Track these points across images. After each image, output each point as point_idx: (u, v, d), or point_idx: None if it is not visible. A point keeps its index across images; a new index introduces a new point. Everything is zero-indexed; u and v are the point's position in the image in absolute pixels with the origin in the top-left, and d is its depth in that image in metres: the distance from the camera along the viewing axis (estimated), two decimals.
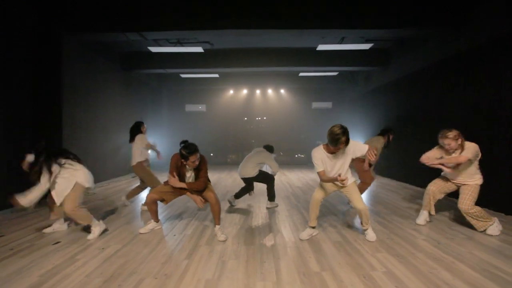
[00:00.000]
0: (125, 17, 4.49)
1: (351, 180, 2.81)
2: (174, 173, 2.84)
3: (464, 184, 3.00)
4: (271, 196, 4.09)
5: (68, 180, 2.84)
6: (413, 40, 5.86)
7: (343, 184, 2.69)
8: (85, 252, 2.54)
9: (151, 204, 3.00)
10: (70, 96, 5.02)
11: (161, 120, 10.02)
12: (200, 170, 2.90)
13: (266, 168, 4.19)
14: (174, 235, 2.97)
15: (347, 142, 2.52)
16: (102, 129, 6.26)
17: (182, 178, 2.92)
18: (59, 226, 3.11)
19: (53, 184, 2.80)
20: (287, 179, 7.11)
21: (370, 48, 6.46)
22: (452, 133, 2.87)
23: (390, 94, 7.01)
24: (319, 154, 2.68)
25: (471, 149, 2.84)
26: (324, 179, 2.70)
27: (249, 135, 10.87)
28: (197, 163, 2.80)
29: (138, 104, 8.21)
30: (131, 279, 2.05)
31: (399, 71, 6.52)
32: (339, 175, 2.62)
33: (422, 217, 3.26)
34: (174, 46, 6.00)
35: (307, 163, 10.46)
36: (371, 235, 2.81)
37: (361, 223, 2.86)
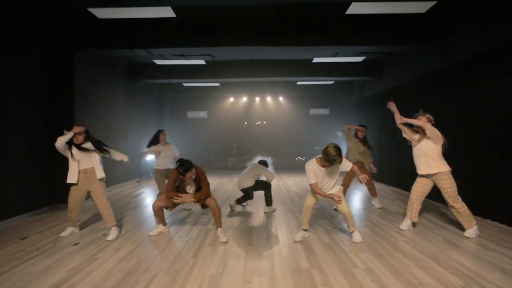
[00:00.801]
0: (133, 35, 4.86)
1: (337, 188, 3.15)
2: (179, 194, 3.18)
3: (438, 178, 3.26)
4: (268, 201, 4.42)
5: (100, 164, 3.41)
6: (403, 54, 6.23)
7: (338, 202, 3.04)
8: (102, 252, 2.87)
9: (158, 211, 3.34)
10: (81, 105, 5.36)
11: (163, 126, 10.36)
12: (200, 180, 3.23)
13: (262, 177, 4.55)
14: (181, 237, 3.30)
15: (341, 161, 2.88)
16: (109, 136, 6.60)
17: (182, 190, 3.26)
18: (73, 230, 3.44)
19: (92, 158, 3.35)
20: (285, 184, 7.44)
21: (364, 60, 6.83)
22: (429, 115, 3.28)
23: (383, 103, 7.33)
24: (312, 167, 3.02)
25: (434, 130, 3.18)
26: (316, 191, 3.05)
27: (249, 138, 11.22)
28: (193, 177, 3.13)
29: (142, 112, 8.57)
30: (146, 275, 2.38)
31: (391, 81, 6.87)
32: (339, 197, 3.00)
33: (405, 224, 3.57)
34: (178, 59, 6.37)
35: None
36: (357, 237, 3.14)
37: (348, 227, 3.20)
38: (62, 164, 4.96)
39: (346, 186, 4.50)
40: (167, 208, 3.33)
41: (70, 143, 3.30)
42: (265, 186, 4.38)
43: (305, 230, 3.23)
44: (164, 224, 3.47)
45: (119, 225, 3.67)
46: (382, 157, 7.32)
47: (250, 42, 4.91)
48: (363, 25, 4.77)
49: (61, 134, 3.26)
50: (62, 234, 3.36)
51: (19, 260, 2.67)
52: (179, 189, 3.25)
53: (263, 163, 4.59)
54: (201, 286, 2.19)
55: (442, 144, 3.25)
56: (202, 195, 3.20)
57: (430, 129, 3.20)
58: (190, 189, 3.29)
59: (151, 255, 2.78)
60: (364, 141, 4.69)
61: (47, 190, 4.66)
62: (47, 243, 3.12)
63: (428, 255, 2.75)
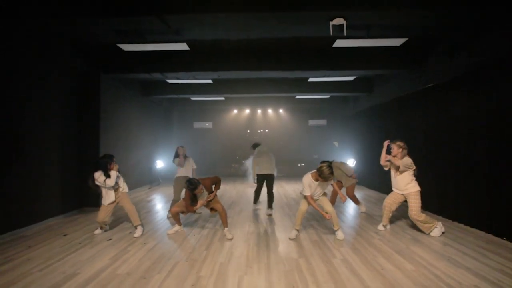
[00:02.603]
0: (151, 62, 5.66)
1: (323, 196, 3.85)
2: (196, 206, 3.89)
3: (408, 195, 3.96)
4: (272, 201, 5.26)
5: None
6: (389, 74, 6.96)
7: (328, 218, 3.73)
8: (132, 245, 3.56)
9: (175, 215, 4.03)
10: (104, 119, 6.12)
11: (171, 135, 11.14)
12: (208, 187, 3.94)
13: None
14: (194, 235, 3.99)
15: (332, 178, 3.64)
16: (126, 147, 7.36)
17: (196, 200, 3.93)
18: (102, 231, 4.12)
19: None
20: (284, 190, 8.10)
21: (355, 78, 7.57)
22: (399, 143, 3.91)
23: (375, 115, 8.06)
24: (308, 180, 3.71)
25: (405, 160, 3.85)
26: (310, 202, 3.74)
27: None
28: (202, 191, 3.83)
29: (153, 123, 9.35)
30: (170, 262, 3.06)
31: (381, 96, 7.57)
32: (327, 213, 3.70)
33: (381, 225, 4.25)
34: (189, 79, 7.15)
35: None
36: (340, 234, 3.80)
37: (333, 225, 3.87)
38: (88, 172, 5.76)
39: (333, 198, 5.17)
40: (182, 212, 4.03)
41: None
42: (273, 182, 5.25)
43: (297, 230, 3.90)
44: (180, 224, 4.16)
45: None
46: (374, 166, 7.98)
47: (252, 67, 5.69)
48: (349, 54, 5.52)
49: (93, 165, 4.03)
50: (96, 232, 4.05)
51: (68, 251, 3.36)
52: (194, 199, 3.95)
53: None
54: (213, 270, 2.87)
55: (413, 169, 3.93)
56: (213, 194, 3.95)
57: (402, 165, 3.86)
58: (203, 196, 3.97)
59: (172, 248, 3.47)
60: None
61: (76, 195, 5.40)
62: (85, 239, 3.82)
63: (395, 249, 3.41)
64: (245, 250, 3.42)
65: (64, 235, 3.96)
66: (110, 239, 3.80)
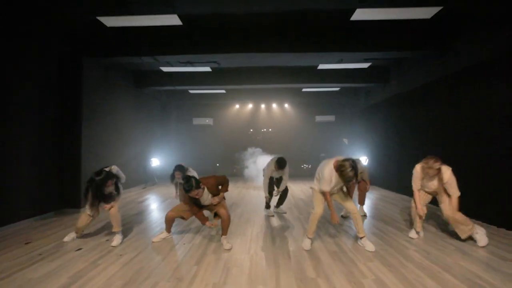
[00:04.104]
0: (140, 43, 4.94)
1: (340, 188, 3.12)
2: (201, 212, 3.22)
3: (437, 193, 3.25)
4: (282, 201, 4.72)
5: None
6: (410, 60, 6.18)
7: (335, 223, 3.03)
8: (105, 258, 2.83)
9: (170, 221, 3.31)
10: (89, 111, 5.41)
11: (169, 132, 10.43)
12: (213, 187, 3.20)
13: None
14: (184, 244, 3.24)
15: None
16: (116, 143, 6.65)
17: (199, 204, 3.21)
18: (76, 237, 3.39)
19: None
20: (290, 190, 7.33)
21: (369, 66, 6.79)
22: (435, 164, 3.09)
23: (389, 109, 7.28)
24: (329, 172, 2.93)
25: (452, 181, 3.07)
26: (327, 200, 2.99)
27: (255, 146, 11.15)
28: (200, 195, 3.02)
29: (148, 118, 8.64)
30: (147, 282, 2.32)
31: (398, 87, 6.80)
32: (337, 218, 3.01)
33: (413, 232, 3.47)
34: (185, 66, 6.44)
35: (311, 175, 10.64)
36: (369, 245, 3.04)
37: (357, 232, 3.11)
38: (70, 170, 5.06)
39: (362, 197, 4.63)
40: (182, 218, 3.30)
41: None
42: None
43: (310, 238, 3.15)
44: (169, 231, 3.41)
45: (123, 231, 3.64)
46: (390, 165, 7.18)
47: (254, 48, 4.94)
48: (368, 31, 4.75)
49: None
50: (65, 239, 3.33)
51: (21, 266, 2.64)
52: (196, 202, 3.20)
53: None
54: None
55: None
56: (222, 193, 3.26)
57: (453, 186, 3.11)
58: (206, 200, 3.21)
59: (153, 262, 2.73)
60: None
61: (54, 194, 4.69)
62: (50, 248, 3.10)
63: (441, 266, 2.63)
64: (247, 265, 2.66)
65: (26, 243, 3.24)
66: (80, 249, 3.07)
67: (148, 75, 7.47)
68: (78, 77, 5.05)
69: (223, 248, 3.08)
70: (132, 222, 4.19)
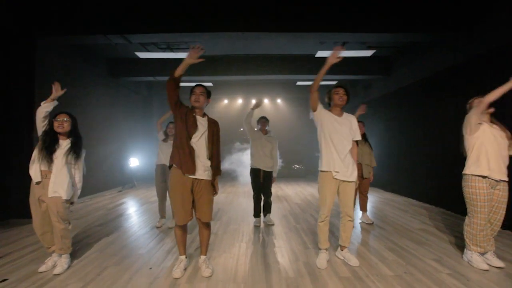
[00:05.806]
0: (107, 18, 4.12)
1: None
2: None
3: (498, 187, 2.46)
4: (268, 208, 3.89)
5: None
6: (416, 48, 5.59)
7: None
8: None
9: (182, 238, 2.42)
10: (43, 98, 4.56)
11: (151, 128, 9.55)
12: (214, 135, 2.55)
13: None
14: (150, 268, 2.47)
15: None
16: (86, 140, 5.77)
17: (189, 133, 2.39)
18: (56, 257, 2.50)
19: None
20: (284, 193, 6.64)
21: (372, 56, 6.18)
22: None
23: (391, 105, 6.71)
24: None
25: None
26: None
27: (245, 145, 10.43)
28: (202, 101, 2.48)
29: (128, 114, 7.78)
30: None
31: (401, 80, 6.22)
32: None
33: (479, 260, 2.46)
34: (164, 51, 5.64)
35: (305, 176, 10.02)
36: (353, 260, 2.51)
37: (339, 239, 2.62)
38: (18, 171, 4.16)
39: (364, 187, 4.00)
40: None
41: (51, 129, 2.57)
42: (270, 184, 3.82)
43: (326, 249, 2.56)
44: (183, 253, 2.44)
45: (76, 250, 2.84)
46: (391, 165, 6.60)
47: (246, 28, 4.20)
48: (373, 9, 4.10)
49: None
50: (40, 270, 2.38)
51: None
52: (187, 127, 2.41)
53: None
54: None
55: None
56: (218, 170, 2.49)
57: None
58: (198, 137, 2.41)
59: None
60: (364, 138, 3.99)
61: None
62: None
63: None
64: None
65: None
66: (4, 280, 2.25)
67: (122, 62, 6.62)
68: (31, 61, 4.18)
69: (200, 275, 2.33)
70: (92, 236, 3.38)
